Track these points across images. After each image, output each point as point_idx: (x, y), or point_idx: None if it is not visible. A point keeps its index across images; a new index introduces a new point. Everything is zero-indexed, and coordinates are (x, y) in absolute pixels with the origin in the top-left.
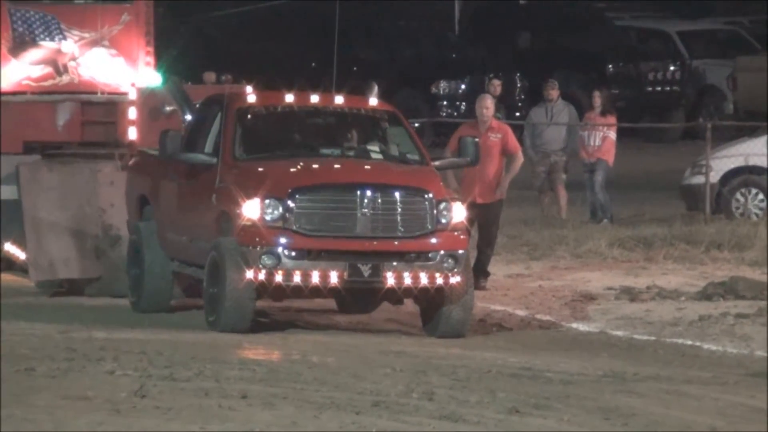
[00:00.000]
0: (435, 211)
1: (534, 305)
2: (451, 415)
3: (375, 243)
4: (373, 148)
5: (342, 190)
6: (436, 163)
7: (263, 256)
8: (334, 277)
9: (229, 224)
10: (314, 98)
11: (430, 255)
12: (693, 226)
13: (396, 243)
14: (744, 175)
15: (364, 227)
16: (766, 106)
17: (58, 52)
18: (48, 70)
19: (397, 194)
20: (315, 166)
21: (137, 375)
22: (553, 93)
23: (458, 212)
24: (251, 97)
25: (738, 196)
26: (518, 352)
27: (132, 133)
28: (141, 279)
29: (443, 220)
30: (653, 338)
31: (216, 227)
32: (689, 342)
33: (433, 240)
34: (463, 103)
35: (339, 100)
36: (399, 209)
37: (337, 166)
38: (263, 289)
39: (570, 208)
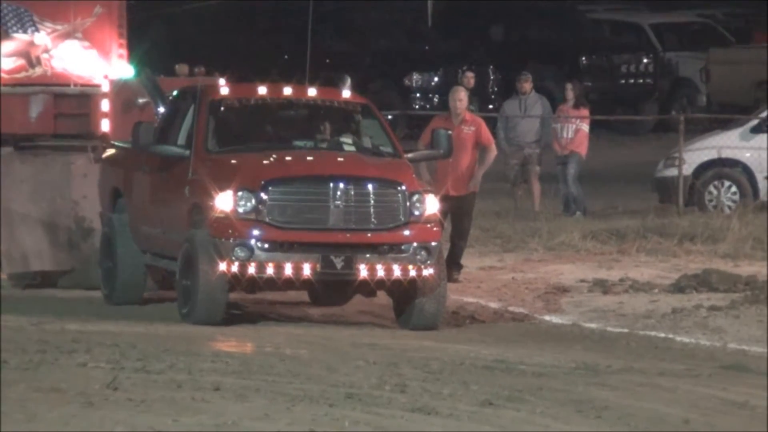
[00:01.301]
0: (408, 203)
1: (507, 297)
2: (424, 408)
3: (348, 235)
4: (347, 140)
5: (315, 182)
6: (410, 155)
7: (236, 249)
8: (306, 270)
9: (201, 216)
10: (287, 90)
11: (403, 247)
12: (666, 218)
13: (369, 235)
14: (717, 168)
15: (337, 219)
16: (739, 98)
17: (31, 44)
18: (21, 62)
19: (370, 186)
20: (288, 158)
21: (110, 367)
22: (527, 86)
23: (431, 204)
24: (224, 90)
25: (711, 188)
26: (491, 345)
27: (105, 125)
28: (114, 271)
29: (416, 212)
30: (626, 330)
31: (188, 219)
32: (662, 334)
33: (406, 232)
34: (436, 96)
35: (312, 92)
36: (372, 201)
37: (310, 158)
38: (236, 282)
39: (543, 200)
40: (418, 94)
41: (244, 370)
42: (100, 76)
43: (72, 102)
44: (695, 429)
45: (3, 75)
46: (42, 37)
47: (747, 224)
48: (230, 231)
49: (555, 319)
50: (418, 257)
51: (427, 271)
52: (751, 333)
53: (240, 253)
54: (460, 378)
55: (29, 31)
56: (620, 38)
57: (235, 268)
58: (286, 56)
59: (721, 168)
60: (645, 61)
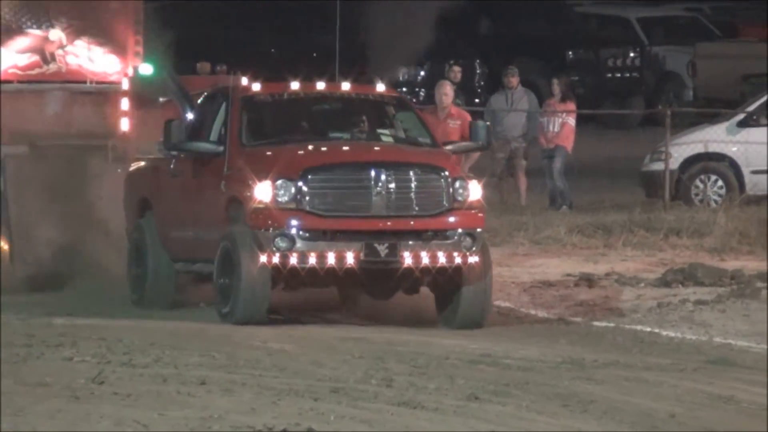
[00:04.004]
0: (451, 189)
1: (493, 291)
2: (410, 402)
3: (391, 222)
4: (383, 132)
5: (356, 169)
6: (448, 147)
7: (277, 239)
8: (350, 258)
9: (239, 212)
10: (320, 85)
11: (447, 233)
12: (652, 212)
13: (412, 222)
14: (703, 162)
15: (380, 206)
16: (726, 92)
17: (46, 40)
18: (35, 58)
19: (411, 172)
20: (327, 146)
21: (96, 361)
22: (513, 80)
23: (475, 190)
24: (257, 86)
25: (697, 182)
26: (477, 339)
27: (124, 125)
28: (143, 277)
29: (460, 198)
30: (612, 325)
31: (225, 216)
32: (648, 329)
33: (451, 218)
34: (423, 90)
35: (345, 86)
36: (414, 187)
37: (349, 147)
38: (278, 274)
39: (529, 194)
40: (404, 88)
41: (230, 364)
42: (115, 73)
43: (89, 100)
44: (681, 423)
45: (17, 71)
46: (57, 33)
47: (733, 218)
48: (270, 221)
49: (541, 313)
50: (464, 244)
51: (473, 259)
52: (737, 327)
53: (281, 243)
54: (446, 372)
55: (44, 26)
56: (607, 32)
57: (276, 259)
58: (314, 54)
59: (707, 162)
60: (632, 55)
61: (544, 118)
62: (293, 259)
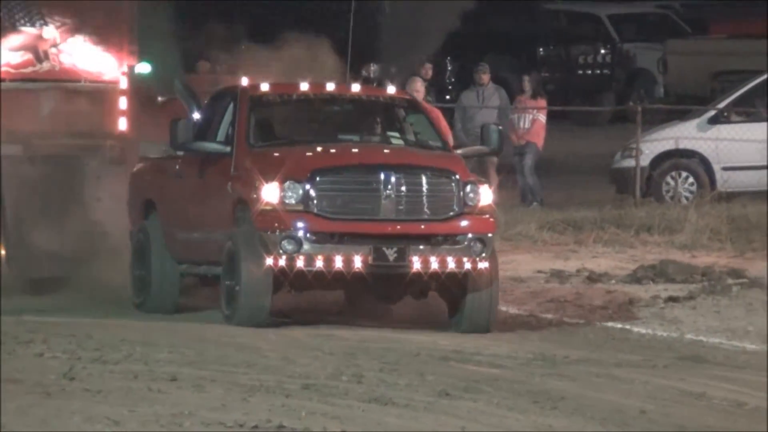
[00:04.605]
0: (462, 193)
1: None
2: (381, 398)
3: (400, 226)
4: (394, 134)
5: (365, 171)
6: (459, 151)
7: (283, 241)
8: (357, 262)
9: (245, 213)
10: (330, 86)
11: (458, 238)
12: (623, 209)
13: (422, 226)
14: (674, 159)
15: (389, 210)
16: (696, 89)
17: (39, 38)
18: (28, 56)
19: (422, 175)
20: (335, 148)
21: (66, 357)
22: (484, 77)
23: (485, 194)
24: (265, 86)
25: (668, 179)
26: (448, 336)
27: (122, 124)
28: (147, 280)
29: (470, 203)
30: (583, 321)
31: (232, 217)
32: (619, 325)
33: (461, 223)
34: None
35: (355, 88)
36: (424, 191)
37: (358, 149)
38: (284, 276)
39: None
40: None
41: (200, 360)
42: (110, 71)
43: (85, 99)
44: (652, 420)
45: (10, 69)
46: (50, 31)
47: (704, 215)
48: (276, 223)
49: (512, 309)
50: (474, 249)
51: (482, 264)
52: (708, 324)
53: (287, 245)
54: (416, 369)
55: (37, 24)
56: (578, 29)
57: (282, 262)
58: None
59: (678, 159)
60: (602, 51)
61: (514, 114)
62: (300, 262)
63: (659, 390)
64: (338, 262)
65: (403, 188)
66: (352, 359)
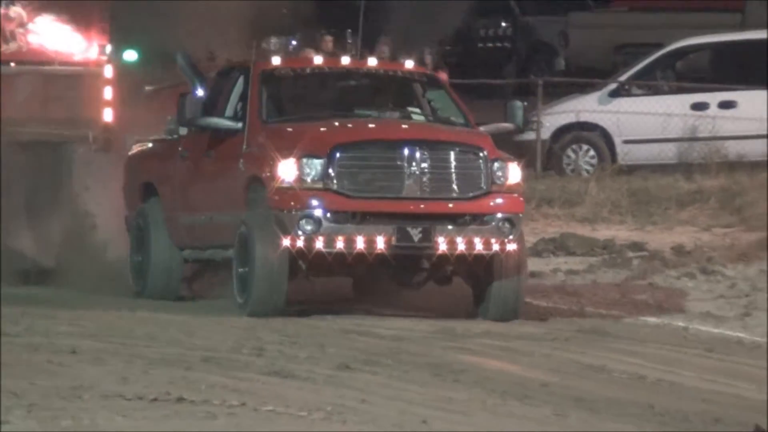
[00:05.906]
0: (489, 171)
1: None
2: (281, 371)
3: (425, 205)
4: (414, 110)
5: (388, 147)
6: (482, 128)
7: (302, 221)
8: (380, 243)
9: (258, 193)
10: (345, 60)
11: (485, 218)
12: (524, 182)
13: (449, 205)
14: (575, 132)
15: (413, 188)
16: (598, 62)
17: (5, 17)
18: None
19: (449, 151)
20: (356, 123)
21: None
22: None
23: (514, 172)
24: (277, 59)
25: (569, 152)
26: (350, 310)
27: (107, 115)
28: (146, 266)
29: (498, 181)
30: None
31: (243, 198)
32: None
33: (489, 202)
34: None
35: (372, 62)
36: (451, 168)
37: (380, 124)
38: (302, 258)
39: None
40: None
41: (101, 333)
42: (81, 52)
43: (64, 83)
44: (553, 392)
45: None
46: (17, 10)
47: (605, 188)
48: (294, 202)
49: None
50: (502, 230)
51: (511, 246)
52: (609, 297)
53: (306, 225)
54: (317, 341)
55: (3, 3)
56: (478, 2)
57: (300, 243)
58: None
59: (579, 132)
60: (503, 24)
61: None
62: (319, 243)
63: (561, 363)
64: (359, 243)
65: (428, 165)
66: (252, 332)
